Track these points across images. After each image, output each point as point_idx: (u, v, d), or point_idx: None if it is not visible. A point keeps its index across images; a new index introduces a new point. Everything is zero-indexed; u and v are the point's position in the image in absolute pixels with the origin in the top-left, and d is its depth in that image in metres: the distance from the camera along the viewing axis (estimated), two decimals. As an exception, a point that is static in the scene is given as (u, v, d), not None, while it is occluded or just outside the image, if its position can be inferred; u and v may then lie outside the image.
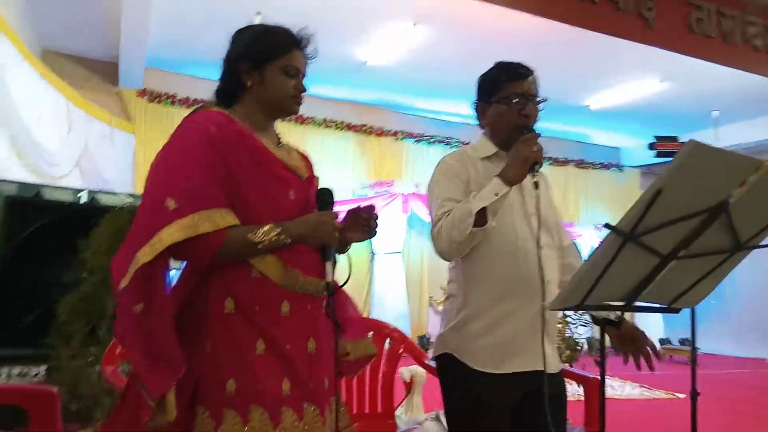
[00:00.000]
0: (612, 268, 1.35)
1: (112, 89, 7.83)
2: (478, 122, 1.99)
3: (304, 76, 1.61)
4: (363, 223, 1.62)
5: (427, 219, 2.24)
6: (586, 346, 8.07)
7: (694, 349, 2.54)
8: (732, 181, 1.31)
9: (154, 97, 8.09)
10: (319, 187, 1.63)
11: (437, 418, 3.45)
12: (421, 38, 7.14)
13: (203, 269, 1.46)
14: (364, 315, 7.16)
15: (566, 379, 2.01)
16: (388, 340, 3.00)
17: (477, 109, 1.97)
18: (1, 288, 2.50)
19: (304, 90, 1.60)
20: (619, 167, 11.95)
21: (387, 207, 9.16)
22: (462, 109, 8.45)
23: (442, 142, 10.10)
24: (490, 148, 1.92)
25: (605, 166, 11.81)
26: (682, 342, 10.52)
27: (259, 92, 1.57)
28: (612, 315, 1.89)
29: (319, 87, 8.38)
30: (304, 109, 1.65)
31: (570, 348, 5.77)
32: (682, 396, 6.23)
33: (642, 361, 1.87)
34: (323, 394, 1.51)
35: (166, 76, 8.19)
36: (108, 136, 7.17)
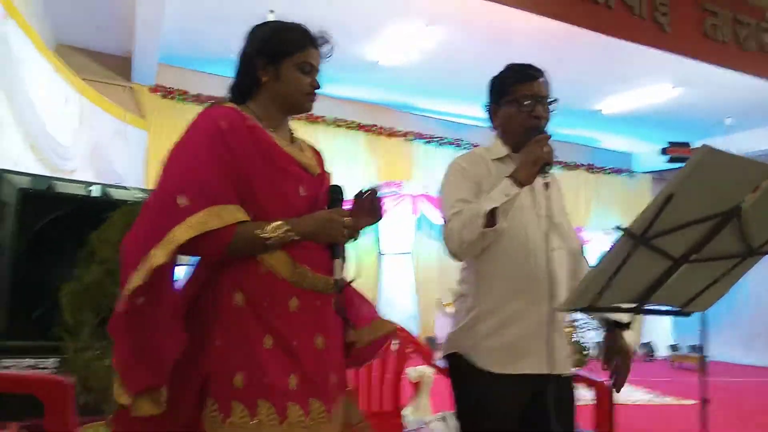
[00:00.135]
0: (623, 271, 1.35)
1: (125, 84, 7.87)
2: (490, 124, 1.99)
3: (318, 73, 1.61)
4: (368, 206, 1.63)
5: (436, 220, 2.24)
6: (595, 351, 8.02)
7: (703, 356, 2.53)
8: (745, 187, 1.31)
9: (167, 93, 8.12)
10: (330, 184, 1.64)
11: (444, 419, 3.45)
12: (433, 39, 7.12)
13: (213, 264, 1.48)
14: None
15: (576, 383, 2.00)
16: (396, 340, 3.01)
17: (489, 111, 1.98)
18: (13, 280, 2.51)
19: (319, 87, 1.60)
20: (631, 172, 11.88)
21: (396, 208, 9.15)
22: (473, 111, 8.42)
23: (453, 143, 10.05)
24: (502, 150, 1.92)
25: (616, 171, 11.73)
26: (692, 349, 10.45)
27: (273, 88, 1.57)
28: (623, 318, 1.89)
29: (331, 86, 8.37)
30: (314, 109, 1.65)
31: (578, 352, 5.74)
32: (691, 402, 6.19)
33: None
34: (330, 390, 1.51)
35: (178, 73, 8.20)
36: (121, 132, 7.21)
